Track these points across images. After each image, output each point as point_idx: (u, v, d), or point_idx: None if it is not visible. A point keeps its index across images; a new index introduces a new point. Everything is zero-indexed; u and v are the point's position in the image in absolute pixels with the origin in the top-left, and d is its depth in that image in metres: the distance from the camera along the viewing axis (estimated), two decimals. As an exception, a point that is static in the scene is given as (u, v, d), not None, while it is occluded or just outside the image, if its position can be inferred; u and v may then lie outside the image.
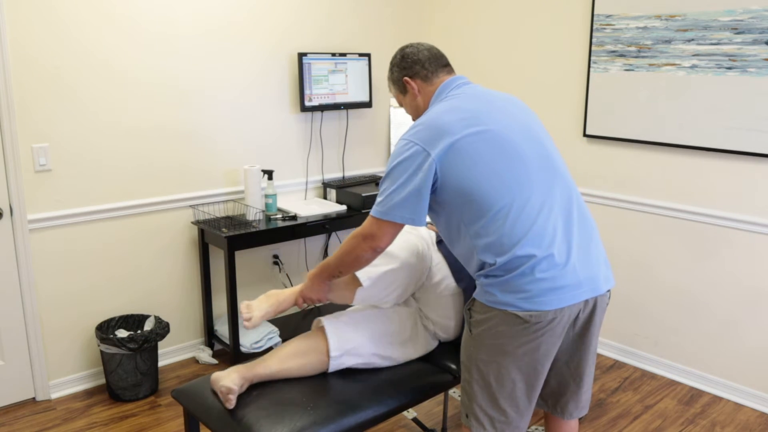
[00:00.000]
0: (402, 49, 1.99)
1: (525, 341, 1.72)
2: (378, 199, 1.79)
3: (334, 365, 2.07)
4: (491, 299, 1.74)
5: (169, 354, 3.35)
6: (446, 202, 1.77)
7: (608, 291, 1.85)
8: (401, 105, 2.04)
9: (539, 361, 1.77)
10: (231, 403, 1.89)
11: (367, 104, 3.78)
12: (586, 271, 1.75)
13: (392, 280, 2.11)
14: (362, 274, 2.04)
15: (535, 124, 1.87)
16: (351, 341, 2.08)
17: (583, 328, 1.83)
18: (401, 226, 1.78)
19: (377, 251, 1.82)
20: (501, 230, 1.70)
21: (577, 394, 1.93)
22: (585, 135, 3.37)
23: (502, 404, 1.80)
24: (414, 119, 2.01)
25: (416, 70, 1.94)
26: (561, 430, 2.02)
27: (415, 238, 2.20)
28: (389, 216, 1.75)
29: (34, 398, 2.97)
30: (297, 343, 2.07)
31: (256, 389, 1.99)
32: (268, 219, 3.30)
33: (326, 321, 2.11)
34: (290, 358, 2.02)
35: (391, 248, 2.08)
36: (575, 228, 1.77)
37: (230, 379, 1.92)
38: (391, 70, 2.01)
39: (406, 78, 1.95)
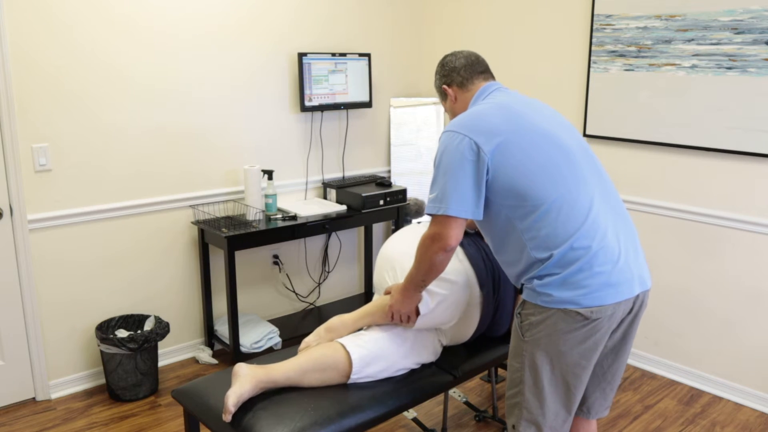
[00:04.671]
0: (443, 58, 2.04)
1: (583, 338, 1.72)
2: (431, 195, 1.75)
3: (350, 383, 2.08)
4: (547, 299, 1.72)
5: (169, 354, 3.35)
6: (495, 201, 1.76)
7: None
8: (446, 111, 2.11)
9: (591, 361, 1.77)
10: (228, 417, 1.85)
11: (367, 104, 3.78)
12: (635, 267, 1.77)
13: (448, 306, 2.12)
14: (422, 304, 2.05)
15: (570, 124, 1.91)
16: (373, 375, 2.08)
17: (629, 325, 1.84)
18: (464, 220, 1.74)
19: (449, 250, 1.78)
20: (555, 222, 1.70)
21: (606, 392, 1.94)
22: (585, 135, 3.37)
23: (552, 410, 1.79)
24: None
25: (453, 78, 1.99)
26: (582, 430, 2.01)
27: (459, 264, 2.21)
28: (450, 210, 1.72)
29: (34, 398, 2.97)
30: (318, 358, 2.02)
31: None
32: (268, 219, 3.30)
33: (350, 348, 2.06)
34: (311, 373, 2.00)
35: (445, 275, 2.09)
36: (621, 224, 1.79)
37: (237, 391, 1.85)
38: (435, 78, 2.07)
39: (444, 86, 2.01)
